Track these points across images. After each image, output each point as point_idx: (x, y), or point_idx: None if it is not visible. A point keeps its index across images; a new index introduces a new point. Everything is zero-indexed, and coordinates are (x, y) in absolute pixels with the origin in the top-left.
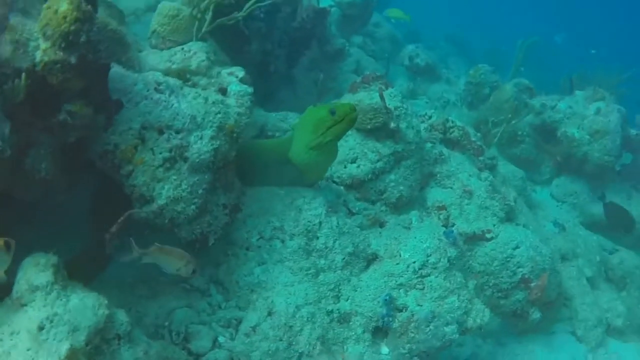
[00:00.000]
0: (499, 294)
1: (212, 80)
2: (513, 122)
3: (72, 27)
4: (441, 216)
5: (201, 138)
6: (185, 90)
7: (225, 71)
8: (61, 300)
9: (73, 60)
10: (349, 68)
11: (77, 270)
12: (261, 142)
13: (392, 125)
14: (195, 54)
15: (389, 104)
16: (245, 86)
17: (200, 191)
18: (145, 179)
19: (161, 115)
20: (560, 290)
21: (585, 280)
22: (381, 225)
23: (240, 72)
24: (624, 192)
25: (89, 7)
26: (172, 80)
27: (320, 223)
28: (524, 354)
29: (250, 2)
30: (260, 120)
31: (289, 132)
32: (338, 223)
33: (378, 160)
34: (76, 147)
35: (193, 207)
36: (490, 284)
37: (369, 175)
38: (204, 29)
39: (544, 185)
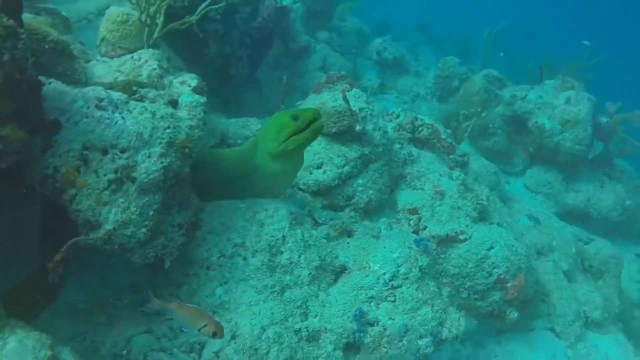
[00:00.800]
0: (475, 296)
1: (162, 92)
2: (483, 114)
3: None
4: (411, 222)
5: (149, 156)
6: (131, 105)
7: (177, 80)
8: None
9: None
10: (316, 65)
11: (21, 302)
12: (220, 151)
13: (358, 127)
14: (146, 62)
15: (353, 106)
16: (198, 96)
17: (151, 213)
18: (90, 203)
19: (104, 134)
20: (537, 287)
21: (562, 274)
22: (349, 234)
23: (193, 81)
24: (597, 181)
25: (12, 21)
26: (116, 95)
27: (283, 237)
28: (504, 354)
29: (203, 5)
30: (220, 128)
31: (250, 139)
32: (303, 236)
33: (345, 165)
34: (11, 173)
35: (144, 230)
36: (466, 286)
37: (336, 181)
38: (155, 35)
39: (517, 177)
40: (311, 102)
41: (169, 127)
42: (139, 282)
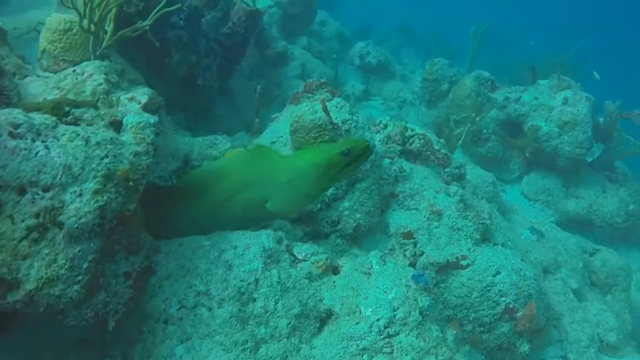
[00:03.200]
0: (481, 329)
1: (102, 112)
2: (477, 119)
3: None
4: (407, 252)
5: (80, 194)
6: (60, 130)
7: (125, 97)
8: None
9: None
10: (294, 73)
11: None
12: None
13: None
14: (91, 76)
15: (335, 118)
16: (147, 115)
17: (85, 265)
18: (4, 256)
19: (20, 169)
20: (549, 313)
21: (572, 293)
22: (335, 271)
23: (143, 97)
24: (598, 185)
25: None
26: (40, 119)
27: (256, 281)
28: None
29: (157, 8)
30: (183, 149)
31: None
32: (280, 277)
33: None
34: None
35: (77, 287)
36: (470, 319)
37: (319, 205)
38: (104, 44)
39: (513, 184)
40: (289, 114)
41: (107, 156)
42: (86, 340)
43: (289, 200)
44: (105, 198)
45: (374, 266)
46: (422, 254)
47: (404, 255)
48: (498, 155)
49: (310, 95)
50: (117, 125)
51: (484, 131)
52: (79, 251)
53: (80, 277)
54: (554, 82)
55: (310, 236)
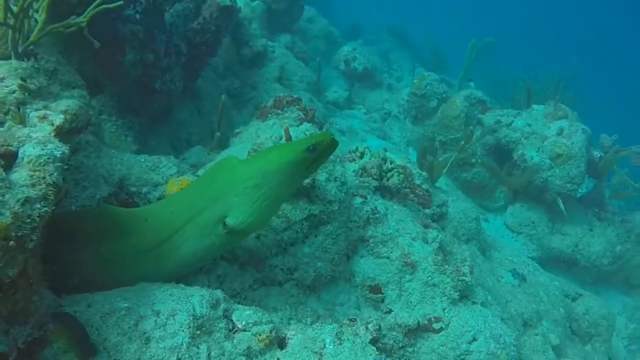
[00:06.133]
0: None
1: None
2: (465, 147)
3: None
4: (370, 325)
5: None
6: None
7: (35, 114)
8: None
9: None
10: (272, 75)
11: None
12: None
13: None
14: (2, 81)
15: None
16: (52, 146)
17: None
18: None
19: None
20: None
21: (552, 350)
22: (281, 344)
23: (57, 117)
24: (585, 223)
25: None
26: None
27: None
28: None
29: (94, 5)
30: (118, 171)
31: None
32: (210, 355)
33: (285, 229)
34: None
35: None
36: None
37: (273, 250)
38: (30, 39)
39: (497, 213)
40: (253, 131)
41: None
42: None
43: (255, 209)
44: None
45: (327, 345)
46: (389, 311)
47: (366, 329)
48: (484, 182)
49: (279, 112)
50: (9, 158)
51: (473, 161)
52: None
53: None
54: (550, 110)
55: (261, 283)
